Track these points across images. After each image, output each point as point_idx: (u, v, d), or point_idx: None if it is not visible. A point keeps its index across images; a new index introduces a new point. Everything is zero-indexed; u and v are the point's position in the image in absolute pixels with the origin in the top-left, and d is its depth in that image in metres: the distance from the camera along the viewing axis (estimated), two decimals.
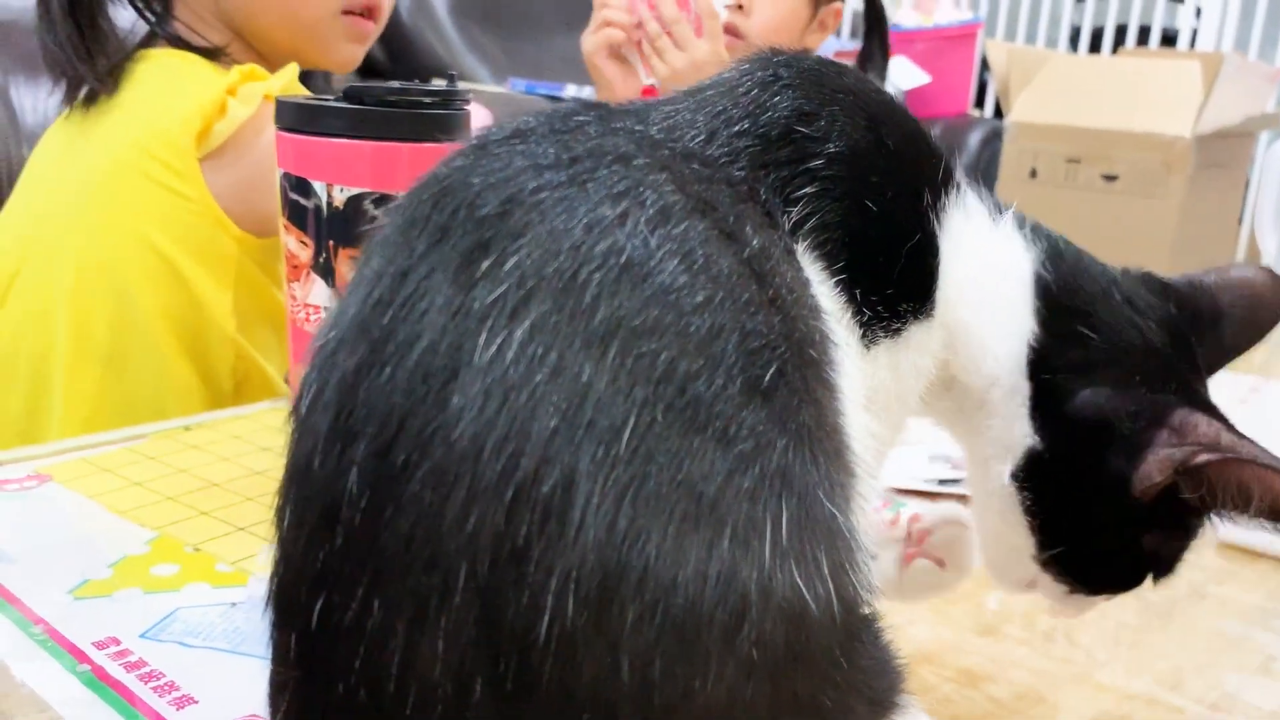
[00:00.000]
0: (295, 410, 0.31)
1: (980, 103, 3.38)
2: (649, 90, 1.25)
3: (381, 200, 0.58)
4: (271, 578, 0.31)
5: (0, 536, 0.57)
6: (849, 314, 0.39)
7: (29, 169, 0.98)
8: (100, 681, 0.45)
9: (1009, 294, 0.43)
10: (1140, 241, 2.26)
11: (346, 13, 0.99)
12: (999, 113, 2.97)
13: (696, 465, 0.28)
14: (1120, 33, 3.53)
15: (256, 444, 0.73)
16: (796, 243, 0.38)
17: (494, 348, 0.28)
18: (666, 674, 0.27)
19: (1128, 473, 0.40)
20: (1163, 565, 0.44)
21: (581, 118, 0.36)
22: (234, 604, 0.52)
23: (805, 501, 0.30)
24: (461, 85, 0.63)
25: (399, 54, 2.34)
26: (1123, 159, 2.32)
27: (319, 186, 0.58)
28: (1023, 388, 0.42)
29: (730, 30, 1.28)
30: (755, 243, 0.34)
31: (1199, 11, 3.28)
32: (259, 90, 0.88)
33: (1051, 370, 0.42)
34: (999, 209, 0.44)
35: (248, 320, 0.94)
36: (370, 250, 0.32)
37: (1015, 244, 0.44)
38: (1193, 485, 0.39)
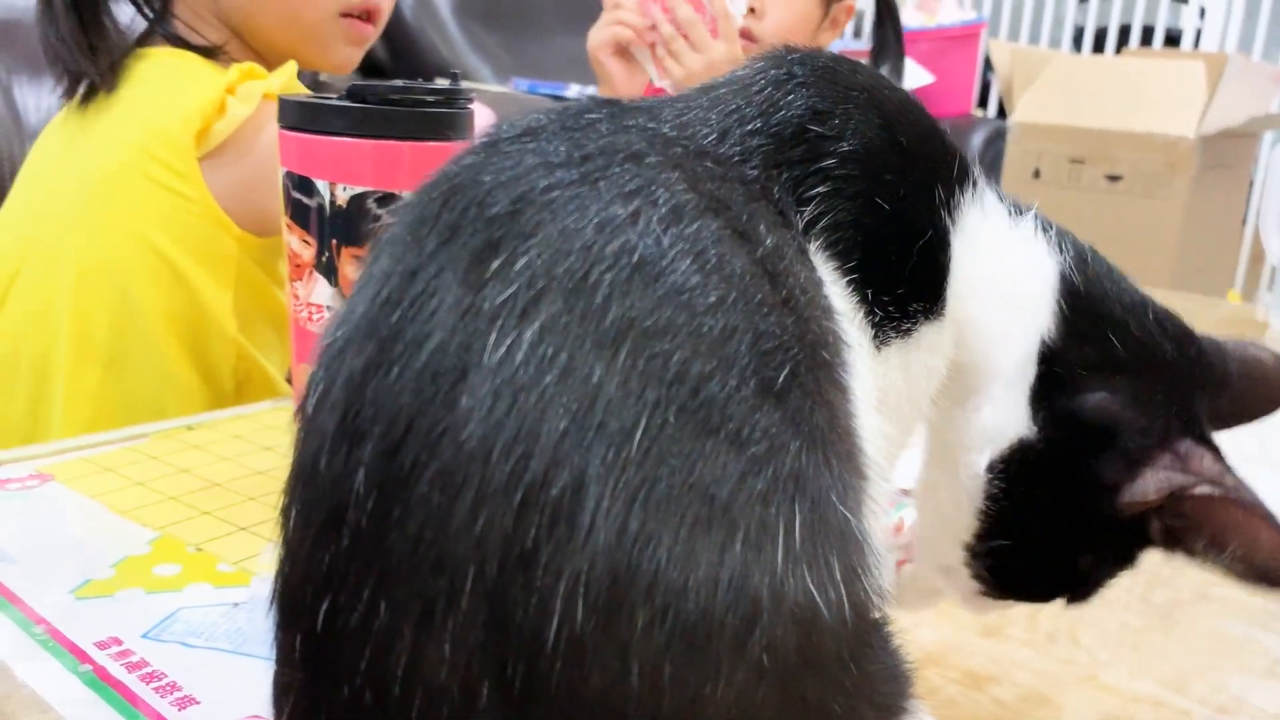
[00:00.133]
0: (301, 410, 0.31)
1: (983, 103, 3.38)
2: (653, 90, 1.25)
3: (385, 199, 0.58)
4: (276, 578, 0.31)
5: (2, 536, 0.57)
6: (861, 314, 0.38)
7: (28, 166, 0.98)
8: (102, 682, 0.45)
9: (1026, 290, 0.42)
10: (1144, 242, 2.26)
11: (345, 15, 0.99)
12: (1002, 113, 2.97)
13: (709, 468, 0.28)
14: (1124, 33, 3.53)
15: (258, 443, 0.73)
16: (809, 242, 0.37)
17: (504, 348, 0.27)
18: (676, 679, 0.27)
19: (1118, 484, 0.39)
20: (1084, 589, 0.44)
21: (593, 115, 0.35)
22: (236, 604, 0.52)
23: (818, 505, 0.30)
24: (464, 85, 0.63)
25: (401, 53, 2.34)
26: (1126, 159, 2.32)
27: (322, 185, 0.58)
28: (1029, 375, 0.41)
29: (744, 34, 1.28)
30: (768, 242, 0.34)
31: (1203, 12, 3.28)
32: (258, 89, 0.88)
33: (1065, 364, 0.41)
34: (1019, 209, 0.44)
35: (249, 320, 0.94)
36: (379, 249, 0.32)
37: (1037, 244, 0.43)
38: (1175, 515, 0.39)
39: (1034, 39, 3.62)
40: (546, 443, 0.27)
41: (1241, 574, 0.38)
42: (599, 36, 1.25)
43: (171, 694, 0.44)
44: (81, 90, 0.93)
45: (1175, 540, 0.40)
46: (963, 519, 0.43)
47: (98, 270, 0.88)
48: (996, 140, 2.66)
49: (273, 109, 0.84)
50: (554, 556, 0.26)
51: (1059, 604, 0.45)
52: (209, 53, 0.95)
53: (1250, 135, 2.56)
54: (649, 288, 0.29)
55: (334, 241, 0.58)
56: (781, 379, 0.30)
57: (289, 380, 0.99)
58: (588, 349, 0.28)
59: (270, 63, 0.95)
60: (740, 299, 0.31)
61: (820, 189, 0.38)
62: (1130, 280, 0.45)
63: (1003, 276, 0.42)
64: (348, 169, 0.57)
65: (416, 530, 0.27)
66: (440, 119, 0.59)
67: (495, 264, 0.29)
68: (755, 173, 0.37)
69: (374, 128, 0.57)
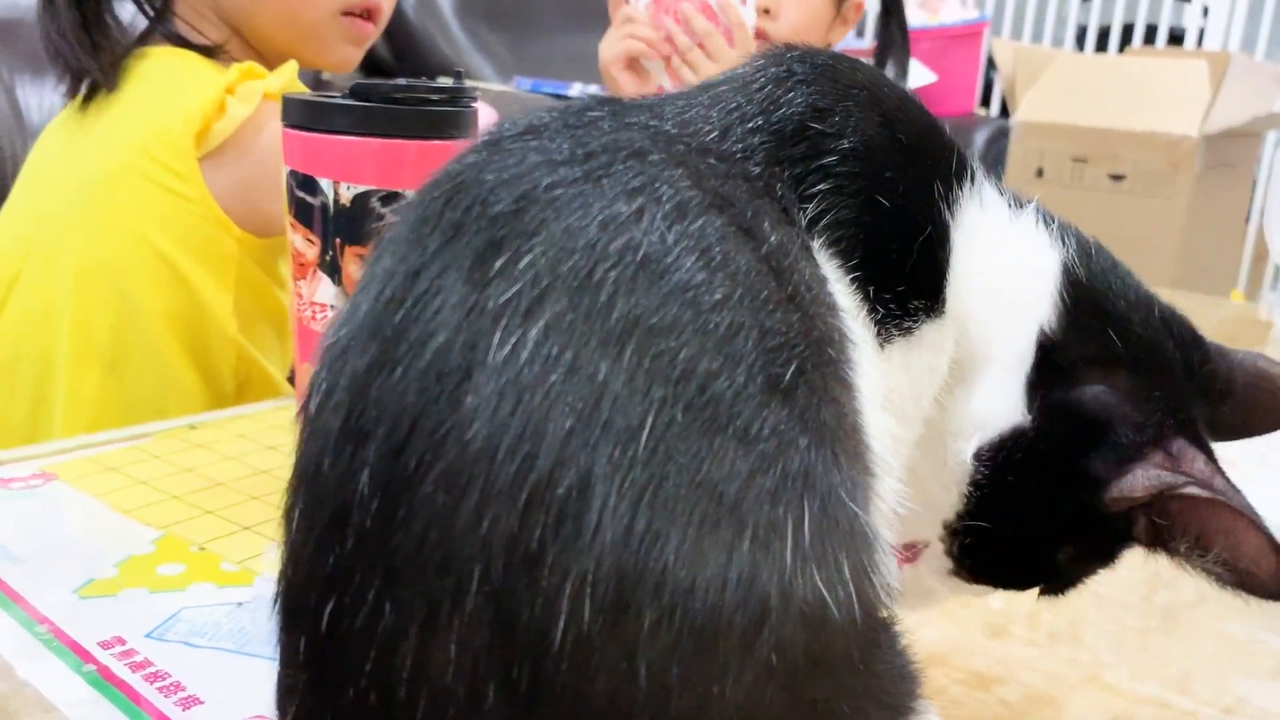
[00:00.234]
0: (305, 410, 0.30)
1: (986, 102, 3.38)
2: None
3: (389, 198, 0.57)
4: (279, 580, 0.31)
5: (5, 535, 0.57)
6: (864, 311, 0.38)
7: (29, 166, 0.98)
8: (106, 682, 0.45)
9: (1025, 281, 0.42)
10: (1147, 241, 2.25)
11: (346, 14, 0.98)
12: (1005, 112, 2.97)
13: (717, 466, 0.28)
14: (1127, 32, 3.52)
15: (261, 443, 0.73)
16: (813, 239, 0.37)
17: (508, 347, 0.27)
18: (684, 680, 0.27)
19: (1108, 479, 0.39)
20: (1061, 581, 0.44)
21: (595, 113, 0.35)
22: (239, 604, 0.52)
23: (827, 502, 0.29)
24: (468, 83, 0.63)
25: (404, 52, 2.34)
26: (1129, 159, 2.32)
27: (326, 184, 0.58)
28: (1026, 365, 0.41)
29: (759, 35, 1.29)
30: (773, 239, 0.34)
31: (1206, 10, 3.28)
32: (258, 89, 0.88)
33: (1065, 356, 0.41)
34: (1019, 203, 0.44)
35: (249, 321, 0.94)
36: (382, 248, 0.31)
37: (1038, 236, 0.43)
38: (1161, 514, 0.39)
39: (1037, 38, 3.62)
40: (552, 442, 0.27)
41: (1224, 578, 0.38)
42: (612, 50, 1.26)
43: (175, 694, 0.44)
44: (83, 89, 0.93)
45: (1160, 540, 0.39)
46: (947, 500, 0.42)
47: (98, 271, 0.88)
48: (999, 139, 2.66)
49: (273, 109, 0.84)
50: (560, 556, 0.26)
51: (1071, 606, 0.45)
52: (209, 52, 0.95)
53: (1253, 134, 2.56)
54: (654, 285, 0.29)
55: (338, 240, 0.58)
56: (788, 376, 0.30)
57: (290, 381, 0.99)
58: (593, 347, 0.28)
59: (270, 62, 0.95)
60: (746, 295, 0.31)
61: (822, 186, 0.38)
62: (1135, 276, 0.44)
63: (1001, 269, 0.42)
64: (352, 167, 0.57)
65: (421, 531, 0.27)
66: (444, 118, 0.58)
67: (499, 262, 0.29)
68: (758, 170, 0.37)
69: (378, 126, 0.57)
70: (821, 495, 0.29)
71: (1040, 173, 2.41)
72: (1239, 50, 2.97)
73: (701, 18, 1.20)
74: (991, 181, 0.43)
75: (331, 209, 0.58)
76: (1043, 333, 0.41)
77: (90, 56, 0.90)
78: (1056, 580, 0.44)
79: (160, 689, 0.45)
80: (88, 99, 0.92)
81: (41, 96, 1.41)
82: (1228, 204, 2.53)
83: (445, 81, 0.63)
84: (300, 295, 0.61)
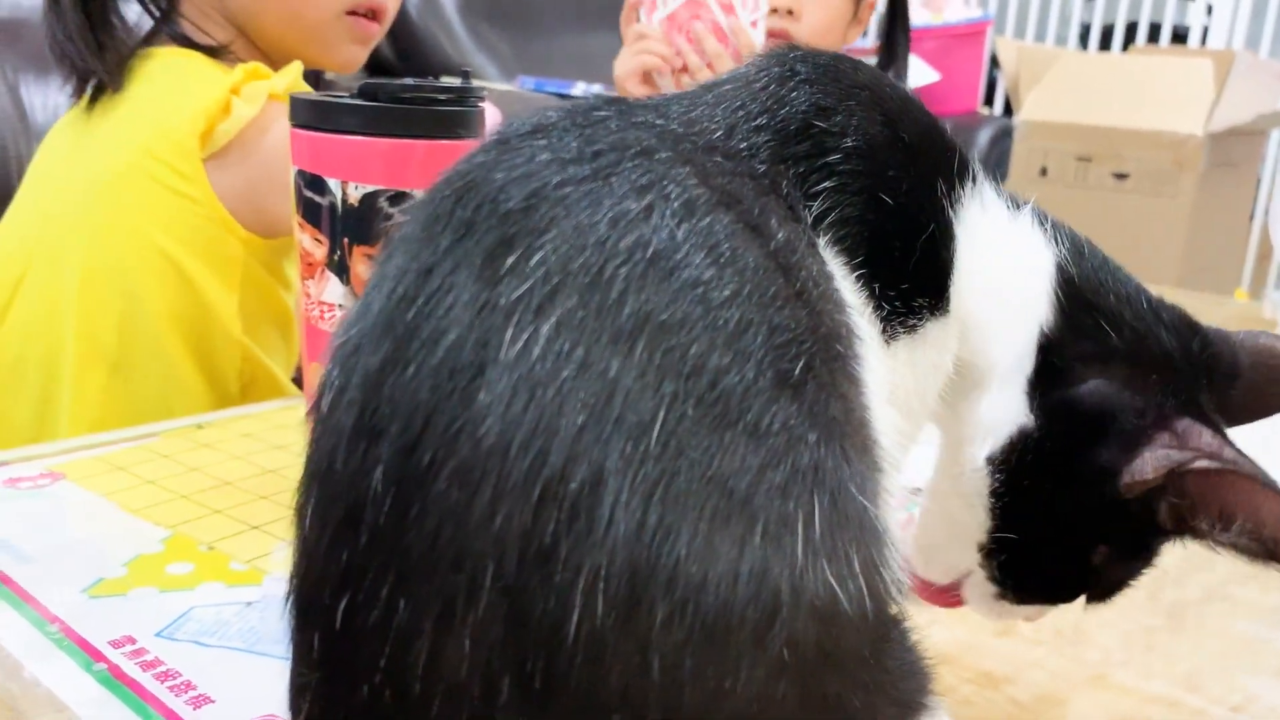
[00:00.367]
0: (316, 408, 0.30)
1: (990, 101, 3.37)
2: None
3: (397, 197, 0.57)
4: (293, 577, 0.31)
5: (15, 535, 0.57)
6: (870, 308, 0.38)
7: (35, 167, 0.98)
8: (117, 680, 0.45)
9: (1024, 281, 0.42)
10: (1151, 240, 2.25)
11: (351, 14, 0.98)
12: (1009, 111, 2.97)
13: (727, 460, 0.28)
14: (1131, 30, 3.52)
15: (269, 442, 0.73)
16: (818, 236, 0.37)
17: (520, 344, 0.27)
18: (696, 674, 0.27)
19: (1118, 466, 0.39)
20: (1103, 586, 0.44)
21: (602, 112, 0.36)
22: (249, 603, 0.52)
23: (837, 496, 0.30)
24: (475, 83, 0.63)
25: (408, 52, 2.34)
26: (1133, 157, 2.31)
27: (334, 184, 0.58)
28: (1026, 367, 0.41)
29: (782, 36, 1.31)
30: (780, 236, 0.34)
31: (1210, 9, 3.28)
32: (263, 89, 0.88)
33: (1062, 355, 0.41)
34: (1017, 204, 0.44)
35: (254, 322, 0.94)
36: (393, 246, 0.32)
37: (1034, 236, 0.43)
38: (1178, 493, 0.38)
39: (1040, 36, 3.62)
40: (564, 437, 0.27)
41: (1253, 550, 0.38)
42: (626, 65, 1.28)
43: (186, 693, 0.44)
44: (89, 90, 0.93)
45: (1184, 522, 0.39)
46: (974, 518, 0.42)
47: (103, 272, 0.88)
48: (1003, 138, 2.66)
49: (278, 109, 0.84)
50: (573, 551, 0.26)
51: (1077, 605, 0.44)
52: (215, 52, 0.95)
53: (1258, 133, 2.56)
54: (664, 282, 0.29)
55: (346, 240, 0.58)
56: (797, 371, 0.30)
57: (295, 382, 0.99)
58: (604, 343, 0.28)
59: (276, 62, 0.95)
60: (755, 292, 0.31)
61: (826, 184, 0.38)
62: (1126, 271, 0.45)
63: (1003, 270, 0.42)
64: (360, 167, 0.57)
65: (435, 527, 0.27)
66: (452, 117, 0.59)
67: (510, 260, 0.29)
68: (763, 168, 0.37)
69: (386, 126, 0.57)
70: (831, 490, 0.29)
71: (1044, 172, 2.41)
72: (1243, 48, 2.97)
73: (713, 39, 1.23)
74: (991, 182, 0.44)
75: (339, 208, 0.58)
76: (1042, 332, 0.41)
77: (96, 57, 0.90)
78: (1099, 586, 0.44)
79: (171, 688, 0.45)
80: (93, 100, 0.92)
81: (46, 96, 1.41)
82: (1232, 203, 2.53)
83: (453, 81, 0.63)
84: (308, 295, 0.61)
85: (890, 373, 0.39)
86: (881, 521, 0.31)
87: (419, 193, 0.34)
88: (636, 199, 0.31)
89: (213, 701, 0.44)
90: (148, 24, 0.96)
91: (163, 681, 0.45)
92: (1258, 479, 0.36)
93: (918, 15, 3.03)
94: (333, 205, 0.58)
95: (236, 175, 0.88)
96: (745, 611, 0.27)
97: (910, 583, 0.38)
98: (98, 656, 0.47)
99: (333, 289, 0.60)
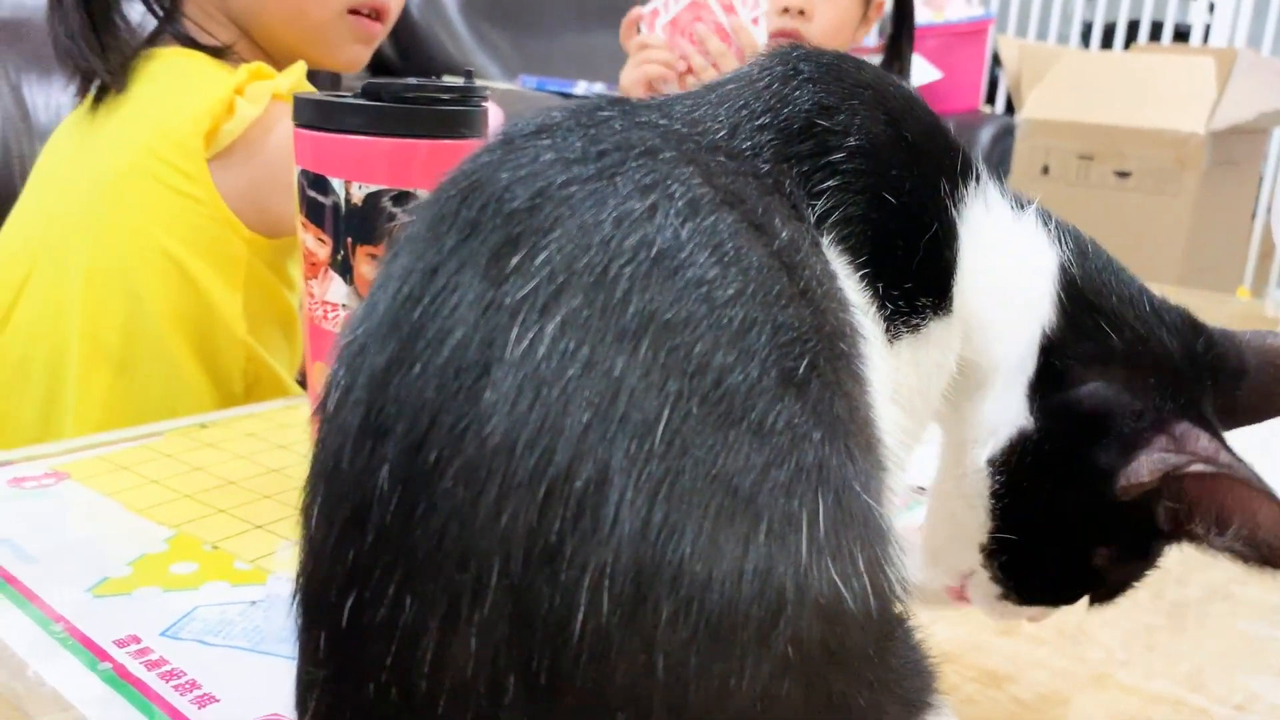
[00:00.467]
0: (323, 407, 0.31)
1: (991, 99, 3.37)
2: None
3: (400, 197, 0.58)
4: (299, 576, 0.31)
5: (19, 534, 0.57)
6: (874, 307, 0.38)
7: (40, 167, 0.98)
8: (122, 680, 0.45)
9: (1028, 282, 0.42)
10: (1153, 238, 2.25)
11: (354, 13, 0.98)
12: (1010, 109, 2.97)
13: (732, 459, 0.28)
14: (1133, 28, 3.52)
15: (272, 441, 0.73)
16: (822, 235, 0.38)
17: (526, 343, 0.28)
18: (701, 672, 0.27)
19: (1115, 468, 0.39)
20: (1105, 588, 0.44)
21: (606, 112, 0.36)
22: (253, 602, 0.52)
23: (841, 495, 0.30)
24: (477, 82, 0.63)
25: (409, 51, 2.34)
26: (1135, 156, 2.31)
27: (337, 183, 0.58)
28: (1028, 368, 0.41)
29: (793, 35, 1.33)
30: (784, 235, 0.34)
31: (1212, 7, 3.27)
32: (267, 89, 0.88)
33: (1063, 357, 0.41)
34: (1021, 203, 0.44)
35: (258, 322, 0.94)
36: (398, 246, 0.32)
37: (1038, 236, 0.43)
38: (1175, 497, 0.38)
39: (1042, 35, 3.62)
40: (570, 436, 0.27)
41: (1248, 555, 0.38)
42: (631, 76, 1.29)
43: (191, 692, 0.45)
44: (93, 90, 0.93)
45: (1180, 525, 0.39)
46: (975, 519, 0.43)
47: (108, 273, 0.88)
48: (1004, 137, 2.66)
49: (281, 109, 0.84)
50: (578, 550, 0.26)
51: (1080, 604, 0.44)
52: (218, 52, 0.95)
53: (1260, 131, 2.56)
54: (668, 281, 0.29)
55: (349, 240, 0.59)
56: (801, 370, 0.31)
57: (299, 382, 0.99)
58: (609, 342, 0.28)
59: (279, 62, 0.95)
60: (759, 291, 0.31)
61: (830, 183, 0.38)
62: (1129, 273, 0.45)
63: (1006, 270, 0.42)
64: (363, 167, 0.57)
65: (441, 525, 0.27)
66: (455, 117, 0.59)
67: (515, 259, 0.29)
68: (766, 167, 0.37)
69: (389, 126, 0.57)
70: (836, 488, 0.30)
71: (1046, 170, 2.41)
72: (1245, 46, 2.97)
73: (716, 39, 1.25)
74: (995, 182, 0.44)
75: (343, 208, 0.58)
76: (1044, 334, 0.41)
77: (99, 58, 0.90)
78: (1101, 587, 0.44)
79: (176, 687, 0.45)
80: (97, 100, 0.92)
81: (48, 96, 1.41)
82: (1234, 201, 2.53)
83: (456, 81, 0.63)
84: (312, 294, 0.61)
85: (894, 372, 0.39)
86: (886, 519, 0.31)
87: (422, 192, 0.34)
88: (641, 198, 0.31)
89: (217, 700, 0.44)
90: (151, 24, 0.96)
91: (167, 681, 0.45)
92: (1253, 484, 0.36)
93: (919, 13, 3.03)
94: (336, 205, 0.58)
95: (240, 175, 0.88)
96: (750, 609, 0.27)
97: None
98: (102, 656, 0.47)
99: (336, 289, 0.60)
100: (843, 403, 0.32)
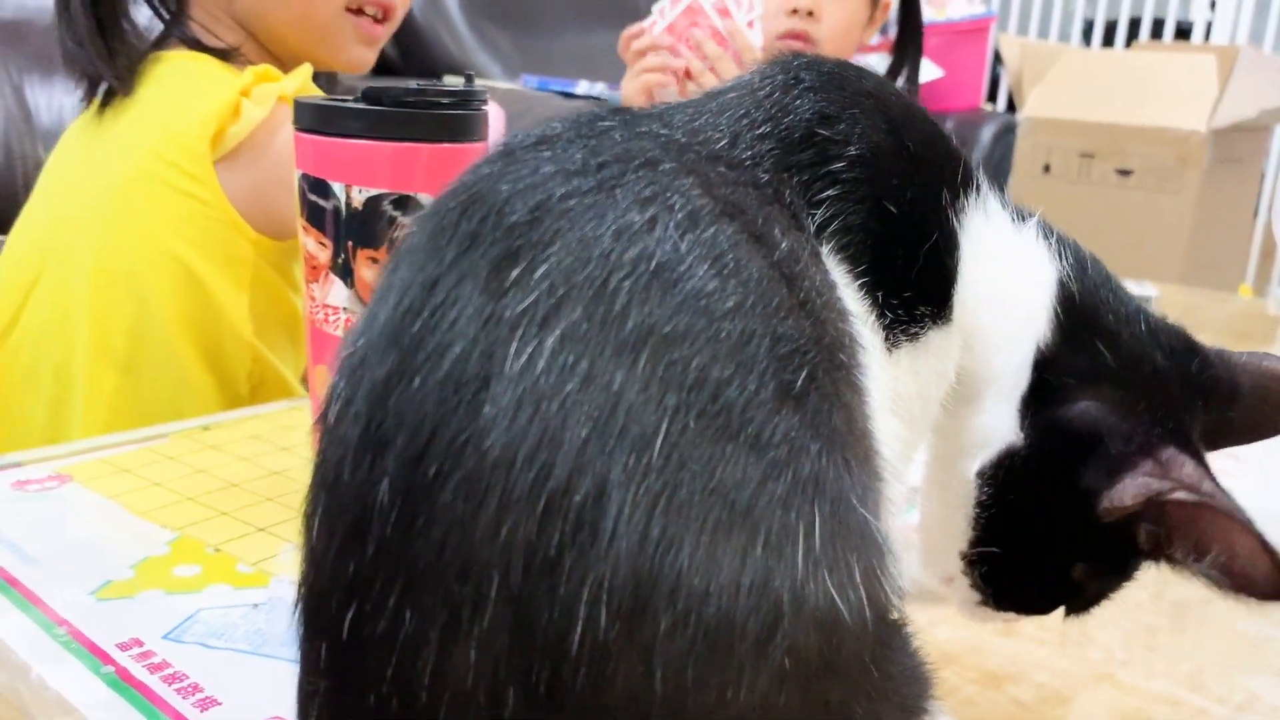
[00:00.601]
0: (323, 419, 0.31)
1: (993, 97, 3.37)
2: None
3: (400, 201, 0.58)
4: (300, 587, 0.31)
5: (22, 537, 0.58)
6: (873, 316, 0.39)
7: (47, 171, 0.98)
8: (124, 683, 0.45)
9: (1026, 295, 0.42)
10: (1155, 237, 2.25)
11: (358, 13, 0.99)
12: (1012, 107, 2.96)
13: (729, 472, 0.28)
14: (1134, 26, 3.52)
15: (275, 444, 0.73)
16: (822, 244, 0.38)
17: (525, 356, 0.28)
18: (699, 684, 0.27)
19: (1100, 490, 0.39)
20: (1081, 600, 0.44)
21: (607, 123, 0.36)
22: (255, 605, 0.52)
23: (838, 507, 0.30)
24: (478, 85, 0.63)
25: (411, 51, 2.35)
26: (1137, 154, 2.31)
27: (337, 187, 0.58)
28: (1022, 382, 0.42)
29: (802, 37, 1.34)
30: (784, 245, 0.34)
31: (1214, 4, 3.27)
32: (273, 91, 0.88)
33: (1056, 373, 0.41)
34: (1022, 215, 0.44)
35: (264, 324, 0.94)
36: (398, 258, 0.32)
37: (1038, 249, 0.43)
38: (1156, 521, 0.39)
39: (1043, 33, 3.61)
40: (569, 450, 0.27)
41: (1223, 582, 0.38)
42: (632, 87, 1.30)
43: (193, 695, 0.45)
44: (99, 94, 0.93)
45: (1160, 548, 0.40)
46: (958, 526, 0.43)
47: (114, 275, 0.89)
48: (1006, 135, 2.65)
49: (287, 112, 0.84)
50: (577, 562, 0.26)
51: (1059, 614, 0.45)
52: (224, 55, 0.95)
53: (1262, 129, 2.56)
54: (668, 293, 0.29)
55: (349, 243, 0.59)
56: (800, 382, 0.31)
57: (303, 383, 0.99)
58: (608, 356, 0.28)
59: (285, 65, 0.95)
60: (758, 303, 0.31)
61: (830, 192, 0.38)
62: (1128, 290, 0.45)
63: (1005, 282, 0.42)
64: (363, 171, 0.58)
65: (441, 538, 0.27)
66: (456, 121, 0.59)
67: (515, 272, 0.29)
68: (767, 176, 0.38)
69: (389, 130, 0.57)
70: (832, 500, 0.30)
71: (1047, 168, 2.41)
72: (1247, 44, 2.96)
73: (712, 43, 1.26)
74: (995, 192, 0.44)
75: (343, 212, 0.58)
76: (1039, 350, 0.42)
77: (106, 62, 0.90)
78: (1077, 599, 0.44)
79: (178, 690, 0.45)
80: (104, 104, 0.92)
81: (50, 97, 1.41)
82: (1236, 199, 2.52)
83: (456, 84, 0.63)
84: (313, 298, 0.61)
85: (893, 381, 0.39)
86: (882, 532, 0.32)
87: (423, 196, 0.34)
88: (640, 211, 0.31)
89: (220, 704, 0.44)
90: (158, 28, 0.97)
91: (170, 684, 0.46)
92: (1234, 515, 0.36)
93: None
94: (336, 209, 0.58)
95: (246, 177, 0.89)
96: (747, 622, 0.27)
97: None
98: (105, 659, 0.47)
99: (337, 292, 0.60)
100: (841, 414, 0.32)
